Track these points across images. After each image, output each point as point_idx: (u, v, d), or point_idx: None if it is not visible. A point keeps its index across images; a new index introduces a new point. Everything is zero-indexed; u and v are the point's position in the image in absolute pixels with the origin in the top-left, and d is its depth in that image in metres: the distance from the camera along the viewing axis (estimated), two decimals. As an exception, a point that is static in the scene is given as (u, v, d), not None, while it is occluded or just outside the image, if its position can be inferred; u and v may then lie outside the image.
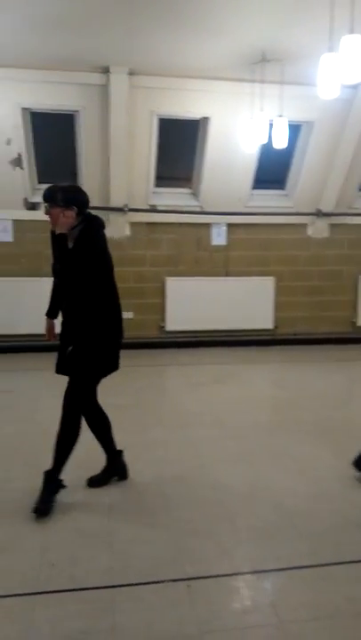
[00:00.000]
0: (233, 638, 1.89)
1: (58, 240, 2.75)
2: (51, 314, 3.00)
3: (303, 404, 4.55)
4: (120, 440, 3.59)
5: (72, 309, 2.77)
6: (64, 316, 2.83)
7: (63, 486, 2.79)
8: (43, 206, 2.73)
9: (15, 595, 2.10)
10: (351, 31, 3.05)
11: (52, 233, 2.80)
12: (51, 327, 3.03)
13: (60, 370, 2.80)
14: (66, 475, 2.77)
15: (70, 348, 2.72)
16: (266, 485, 3.05)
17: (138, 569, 2.27)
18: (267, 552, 2.40)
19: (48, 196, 2.68)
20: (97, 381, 2.85)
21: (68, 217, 2.64)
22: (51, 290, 2.99)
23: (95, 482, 2.99)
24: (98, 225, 2.76)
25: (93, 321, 2.73)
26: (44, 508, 2.66)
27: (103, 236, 2.78)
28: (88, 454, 2.99)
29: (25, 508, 2.67)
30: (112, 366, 2.86)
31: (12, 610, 2.02)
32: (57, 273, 2.85)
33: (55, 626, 1.92)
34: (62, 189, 2.71)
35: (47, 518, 2.62)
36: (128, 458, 3.14)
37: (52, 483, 2.74)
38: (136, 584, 2.17)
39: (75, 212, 2.66)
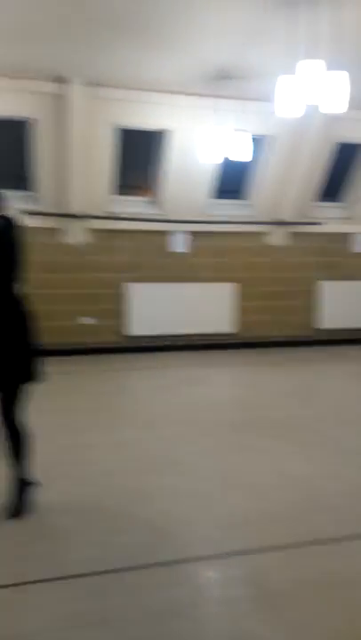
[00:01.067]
0: (220, 609, 1.99)
1: None
2: None
3: (267, 403, 4.74)
4: (89, 440, 3.65)
5: None
6: None
7: (34, 484, 2.78)
8: None
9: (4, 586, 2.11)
10: (308, 56, 3.31)
11: None
12: None
13: None
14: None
15: None
16: (237, 476, 3.18)
17: (120, 556, 2.32)
18: (245, 535, 2.51)
19: None
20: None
21: None
22: None
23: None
24: (16, 224, 2.66)
25: (19, 323, 2.64)
26: (16, 509, 2.67)
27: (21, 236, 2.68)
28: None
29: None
30: (31, 374, 2.67)
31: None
32: None
33: (52, 610, 1.96)
34: None
35: (19, 518, 2.63)
36: (99, 456, 3.20)
37: (22, 484, 2.74)
38: (121, 569, 2.23)
39: None
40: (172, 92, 5.61)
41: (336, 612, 1.97)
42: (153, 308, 6.55)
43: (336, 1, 3.44)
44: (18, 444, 2.71)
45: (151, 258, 6.63)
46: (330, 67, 3.36)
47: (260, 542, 2.45)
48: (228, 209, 6.78)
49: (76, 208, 6.05)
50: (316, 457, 3.48)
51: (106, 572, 2.22)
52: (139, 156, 6.51)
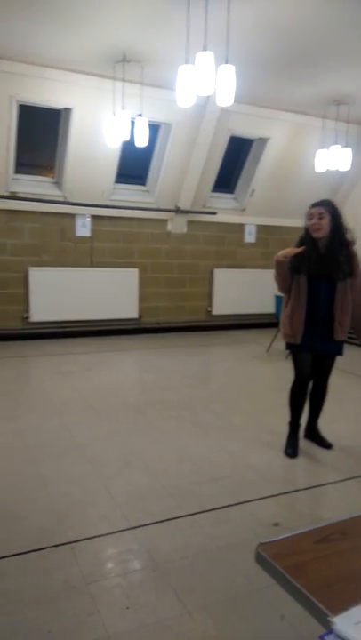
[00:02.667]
0: (115, 583, 2.13)
1: None
2: None
3: (167, 385, 4.94)
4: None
5: None
6: None
7: None
8: None
9: None
10: (205, 48, 3.44)
11: None
12: None
13: None
14: None
15: None
16: (137, 456, 3.34)
17: (22, 540, 2.38)
18: (140, 510, 2.67)
19: None
20: None
21: None
22: None
23: None
24: None
25: None
26: None
27: None
28: None
29: None
30: None
31: None
32: None
33: None
34: None
35: None
36: None
37: None
38: (22, 553, 2.29)
39: None
40: (74, 71, 5.50)
41: (218, 573, 2.20)
42: (56, 293, 6.47)
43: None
44: None
45: (54, 241, 6.52)
46: (225, 61, 3.52)
47: (154, 516, 2.62)
48: (130, 194, 6.82)
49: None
50: (206, 434, 3.74)
51: (6, 556, 2.27)
52: (41, 134, 6.30)
